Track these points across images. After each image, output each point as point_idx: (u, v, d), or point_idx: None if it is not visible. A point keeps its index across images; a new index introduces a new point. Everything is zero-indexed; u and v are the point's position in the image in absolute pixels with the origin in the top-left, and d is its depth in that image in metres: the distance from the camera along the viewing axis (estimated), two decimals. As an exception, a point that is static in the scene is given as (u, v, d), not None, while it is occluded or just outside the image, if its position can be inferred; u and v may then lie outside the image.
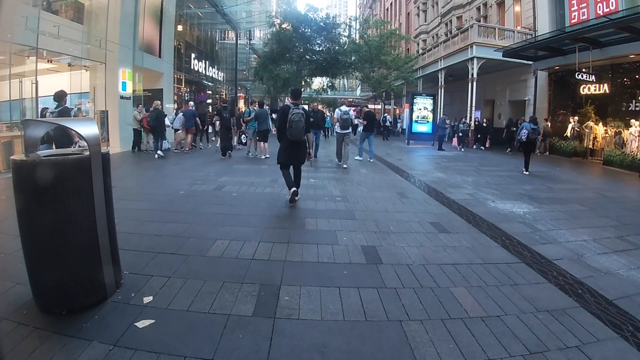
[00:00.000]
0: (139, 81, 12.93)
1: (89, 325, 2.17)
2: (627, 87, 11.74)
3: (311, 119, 5.84)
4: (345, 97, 46.04)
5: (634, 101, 11.17)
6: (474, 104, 16.56)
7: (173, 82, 16.21)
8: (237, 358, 1.94)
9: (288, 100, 8.25)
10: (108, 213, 2.46)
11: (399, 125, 24.43)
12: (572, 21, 13.38)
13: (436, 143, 15.02)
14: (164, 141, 10.63)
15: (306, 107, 6.95)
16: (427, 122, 17.15)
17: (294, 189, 5.05)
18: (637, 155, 10.19)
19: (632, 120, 10.74)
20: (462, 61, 16.81)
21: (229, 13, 21.42)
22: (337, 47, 22.70)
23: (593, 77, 11.39)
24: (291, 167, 5.21)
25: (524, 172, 8.93)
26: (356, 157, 10.77)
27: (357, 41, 25.25)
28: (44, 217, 2.22)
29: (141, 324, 2.19)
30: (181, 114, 11.77)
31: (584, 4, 12.94)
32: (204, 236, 3.74)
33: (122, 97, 11.58)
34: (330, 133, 20.05)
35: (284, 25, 22.40)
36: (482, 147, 15.92)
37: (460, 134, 15.83)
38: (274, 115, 13.26)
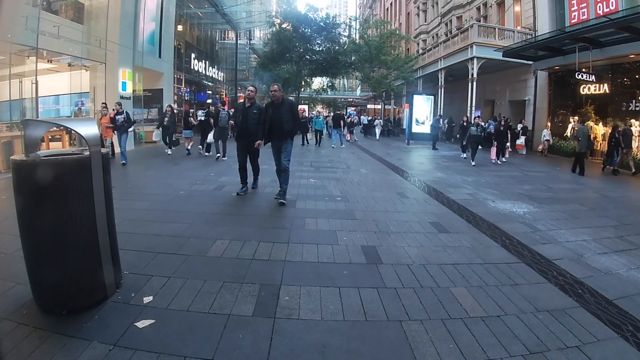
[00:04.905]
0: (139, 81, 12.94)
1: (89, 325, 2.17)
2: (627, 87, 11.73)
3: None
4: (345, 97, 46.09)
5: (634, 101, 11.17)
6: (474, 104, 16.55)
7: (173, 82, 16.21)
8: (237, 358, 1.94)
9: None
10: (108, 213, 2.46)
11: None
12: (572, 21, 13.37)
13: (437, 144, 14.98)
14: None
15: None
16: (427, 122, 17.18)
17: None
18: (637, 155, 10.19)
19: (632, 120, 10.74)
20: (462, 61, 16.81)
21: (229, 13, 21.41)
22: (337, 47, 22.70)
23: (593, 77, 11.38)
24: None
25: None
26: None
27: (357, 41, 25.27)
28: (44, 217, 2.22)
29: (141, 324, 2.19)
30: None
31: (584, 4, 12.93)
32: (204, 236, 3.73)
33: (122, 97, 11.57)
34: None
35: (284, 25, 22.40)
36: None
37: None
38: None
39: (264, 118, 5.29)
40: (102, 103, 9.73)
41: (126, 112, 9.12)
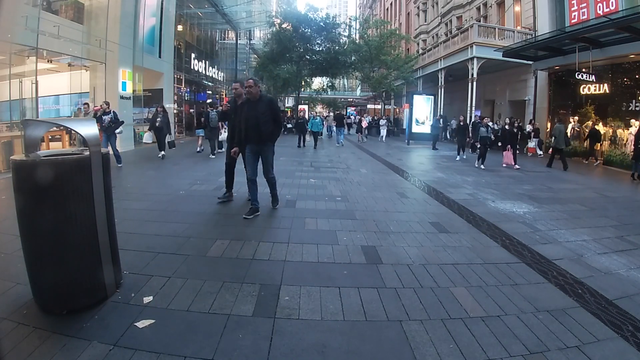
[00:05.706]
0: (139, 81, 12.94)
1: (89, 325, 2.17)
2: (627, 87, 11.72)
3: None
4: (345, 97, 46.09)
5: (634, 101, 11.16)
6: (474, 104, 16.56)
7: (173, 82, 16.21)
8: (237, 358, 1.94)
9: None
10: (108, 213, 2.46)
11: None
12: (572, 21, 13.37)
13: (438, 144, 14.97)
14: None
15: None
16: (427, 122, 17.23)
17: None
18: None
19: (632, 120, 10.74)
20: (462, 61, 16.81)
21: (229, 13, 21.42)
22: (337, 47, 22.74)
23: (593, 77, 11.38)
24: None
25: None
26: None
27: (357, 41, 25.31)
28: (44, 217, 2.22)
29: (141, 324, 2.19)
30: None
31: (584, 4, 12.93)
32: (204, 236, 3.74)
33: (122, 97, 11.58)
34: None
35: (284, 25, 22.43)
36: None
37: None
38: None
39: (239, 118, 4.59)
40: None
41: (114, 112, 8.40)
